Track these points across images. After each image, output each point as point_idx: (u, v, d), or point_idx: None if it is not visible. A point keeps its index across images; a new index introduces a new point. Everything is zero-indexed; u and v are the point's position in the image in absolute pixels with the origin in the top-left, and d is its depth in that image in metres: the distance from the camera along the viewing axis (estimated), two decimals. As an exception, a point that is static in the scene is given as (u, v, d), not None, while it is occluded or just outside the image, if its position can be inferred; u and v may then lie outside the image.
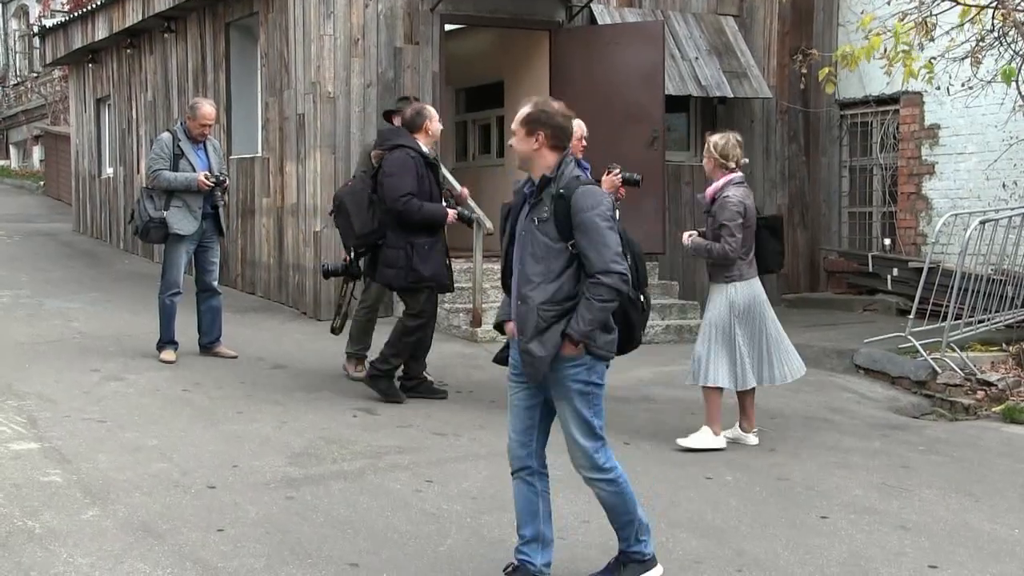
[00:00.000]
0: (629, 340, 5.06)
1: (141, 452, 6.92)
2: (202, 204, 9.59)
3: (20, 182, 29.78)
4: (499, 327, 5.17)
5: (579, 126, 7.64)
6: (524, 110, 4.89)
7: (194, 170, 9.50)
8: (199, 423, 7.69)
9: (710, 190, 7.56)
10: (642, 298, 5.06)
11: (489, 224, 10.94)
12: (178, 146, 9.55)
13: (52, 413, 7.76)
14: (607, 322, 4.82)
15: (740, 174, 7.54)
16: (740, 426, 7.76)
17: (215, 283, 9.88)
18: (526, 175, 4.98)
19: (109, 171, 19.08)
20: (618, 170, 8.18)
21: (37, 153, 31.73)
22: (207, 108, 9.71)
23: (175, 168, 9.49)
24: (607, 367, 4.94)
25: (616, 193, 8.05)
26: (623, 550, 5.10)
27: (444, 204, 8.57)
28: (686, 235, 7.74)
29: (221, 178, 9.59)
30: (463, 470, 6.84)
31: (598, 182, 8.04)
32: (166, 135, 9.70)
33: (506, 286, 5.08)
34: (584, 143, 8.08)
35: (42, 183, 28.07)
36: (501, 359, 5.14)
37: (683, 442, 7.48)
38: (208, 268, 9.83)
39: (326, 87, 12.05)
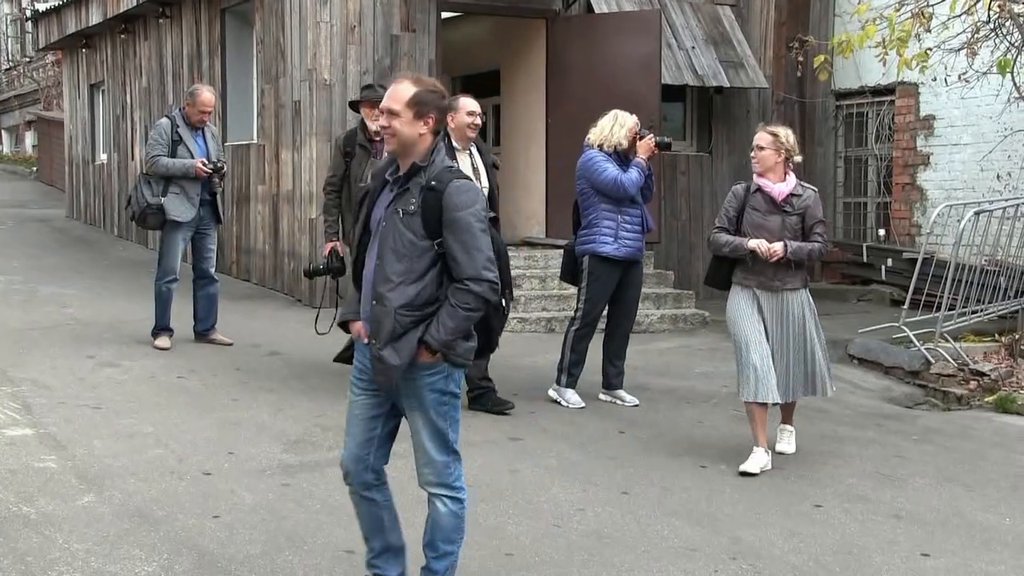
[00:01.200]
0: (487, 346, 4.63)
1: (136, 438, 6.93)
2: (200, 191, 9.55)
3: (12, 168, 29.75)
4: (343, 326, 4.63)
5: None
6: (407, 88, 4.29)
7: (192, 157, 9.44)
8: (194, 410, 7.69)
9: (783, 188, 6.86)
10: (503, 302, 4.59)
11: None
12: (176, 132, 9.49)
13: (47, 399, 7.76)
14: (469, 330, 4.38)
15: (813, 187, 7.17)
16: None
17: (212, 270, 9.86)
18: (388, 157, 4.49)
19: (103, 157, 19.05)
20: (651, 134, 8.31)
21: (30, 138, 31.67)
22: (206, 95, 9.63)
23: (173, 154, 9.43)
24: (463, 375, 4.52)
25: (650, 156, 8.27)
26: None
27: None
28: (757, 243, 6.81)
29: (219, 165, 9.54)
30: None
31: (629, 150, 8.19)
32: (165, 121, 9.63)
33: (357, 281, 4.51)
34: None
35: (35, 169, 28.04)
36: (343, 359, 4.78)
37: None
38: (205, 255, 9.80)
39: (322, 74, 12.04)
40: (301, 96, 12.28)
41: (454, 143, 7.42)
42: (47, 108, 28.45)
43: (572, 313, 8.54)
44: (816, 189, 7.11)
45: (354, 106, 8.82)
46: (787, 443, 7.28)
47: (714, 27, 13.76)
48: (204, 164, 9.44)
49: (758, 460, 6.80)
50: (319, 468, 6.50)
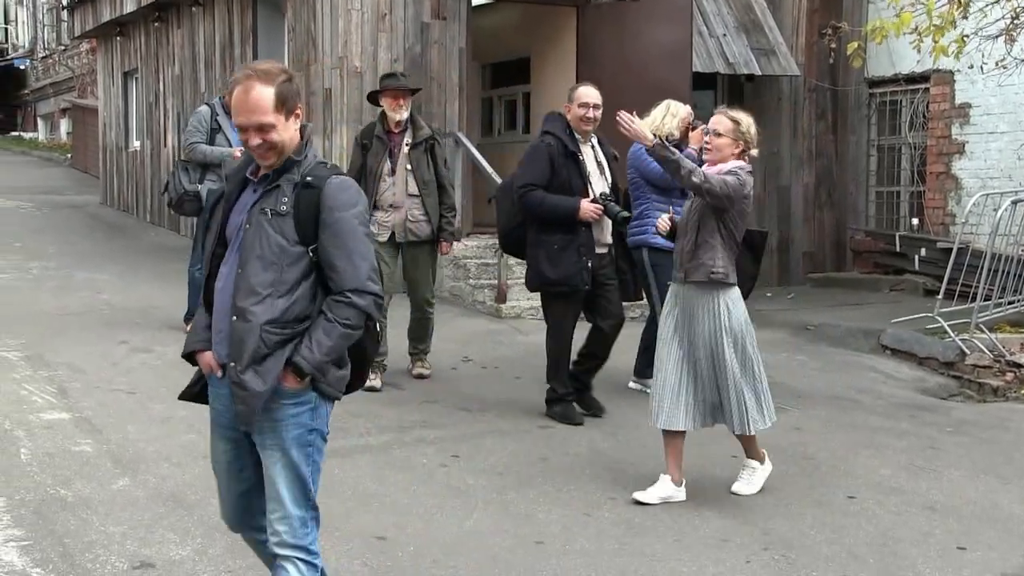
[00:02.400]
0: (359, 375, 3.99)
1: (169, 423, 6.97)
2: None
3: (48, 154, 29.93)
4: (190, 357, 3.91)
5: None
6: (264, 92, 3.65)
7: (230, 145, 9.42)
8: (227, 396, 7.72)
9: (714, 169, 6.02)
10: (378, 325, 4.03)
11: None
12: (216, 120, 9.51)
13: (82, 384, 7.82)
14: (343, 354, 3.78)
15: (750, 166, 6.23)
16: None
17: None
18: (246, 156, 3.86)
19: (136, 144, 19.14)
20: (704, 125, 8.22)
21: (64, 126, 31.87)
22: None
23: (212, 142, 9.46)
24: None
25: (701, 147, 8.12)
26: None
27: (591, 198, 7.33)
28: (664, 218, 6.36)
29: None
30: (489, 446, 6.85)
31: (682, 141, 8.08)
32: (204, 108, 9.66)
33: (209, 298, 3.82)
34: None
35: (69, 156, 28.19)
36: (189, 396, 3.98)
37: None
38: None
39: (353, 62, 12.05)
40: (332, 84, 12.29)
41: (575, 134, 7.38)
42: (81, 96, 28.60)
43: (647, 311, 8.51)
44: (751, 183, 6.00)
45: (373, 98, 8.45)
46: (744, 483, 6.21)
47: (746, 14, 13.68)
48: (242, 153, 9.39)
49: (658, 490, 5.95)
50: (349, 455, 6.52)
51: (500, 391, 8.25)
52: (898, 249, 13.72)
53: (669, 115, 8.13)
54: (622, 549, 5.29)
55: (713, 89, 14.00)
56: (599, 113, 7.38)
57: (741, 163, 5.96)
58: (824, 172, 14.53)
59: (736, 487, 6.13)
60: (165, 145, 17.39)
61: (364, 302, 3.67)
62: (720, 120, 6.01)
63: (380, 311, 3.78)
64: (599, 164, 7.51)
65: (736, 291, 5.97)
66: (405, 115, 8.18)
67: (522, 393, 8.18)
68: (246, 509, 3.92)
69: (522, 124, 15.28)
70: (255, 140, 3.67)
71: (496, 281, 11.35)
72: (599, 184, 7.45)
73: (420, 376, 8.45)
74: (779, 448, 7.03)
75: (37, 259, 13.69)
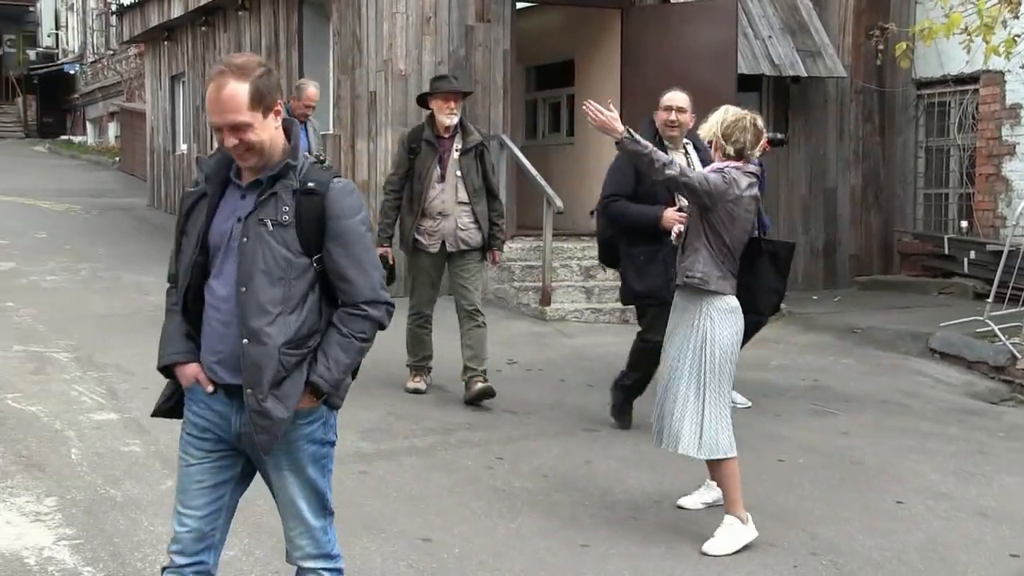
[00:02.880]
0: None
1: (216, 425, 7.00)
2: None
3: (96, 158, 30.23)
4: (167, 371, 3.75)
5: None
6: (239, 88, 3.38)
7: None
8: (273, 397, 7.76)
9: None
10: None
11: (559, 202, 10.98)
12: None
13: (130, 384, 7.89)
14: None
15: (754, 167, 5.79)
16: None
17: None
18: (222, 153, 3.54)
19: (183, 147, 19.30)
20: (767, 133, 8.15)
21: (112, 129, 32.18)
22: (311, 89, 9.69)
23: None
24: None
25: (762, 152, 8.03)
26: None
27: (677, 207, 6.80)
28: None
29: (320, 159, 9.46)
30: (534, 448, 6.85)
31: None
32: None
33: (189, 315, 3.59)
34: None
35: (117, 159, 28.47)
36: (163, 411, 3.84)
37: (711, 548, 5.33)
38: None
39: (398, 65, 12.09)
40: (377, 87, 12.34)
41: (664, 141, 6.94)
42: (129, 99, 28.88)
43: None
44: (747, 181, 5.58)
45: (422, 101, 8.17)
46: (691, 497, 5.92)
47: (791, 15, 13.61)
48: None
49: (702, 495, 5.90)
50: (395, 456, 6.54)
51: (545, 394, 8.25)
52: (947, 252, 13.58)
53: None
54: (668, 553, 5.27)
55: (758, 91, 13.93)
56: (685, 117, 6.98)
57: (738, 164, 5.53)
58: (871, 174, 14.41)
59: (707, 546, 5.29)
60: (212, 148, 17.51)
61: (379, 313, 3.48)
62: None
63: (390, 320, 3.53)
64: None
65: (727, 302, 5.44)
66: (456, 119, 7.86)
67: (567, 396, 8.17)
68: (209, 532, 3.63)
69: (566, 127, 15.27)
70: (231, 141, 3.40)
71: (541, 283, 11.35)
72: None
73: (482, 394, 7.76)
74: (826, 452, 7.00)
75: (86, 261, 13.83)
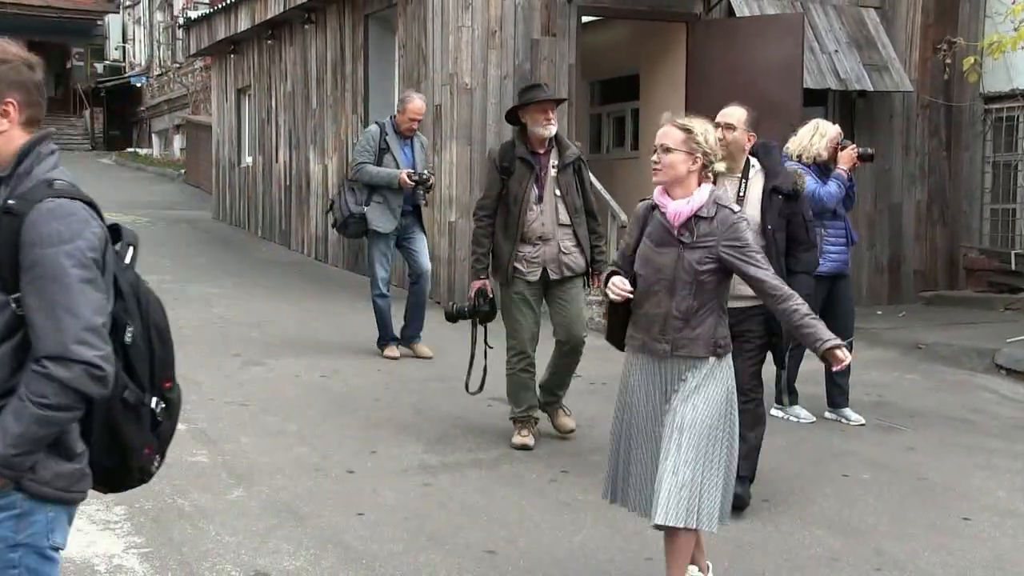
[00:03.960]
0: (121, 470, 2.99)
1: (282, 436, 7.10)
2: (403, 202, 9.26)
3: (162, 170, 30.66)
4: None
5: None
6: None
7: (398, 166, 9.13)
8: (337, 409, 7.85)
9: (682, 208, 4.60)
10: (156, 402, 2.98)
11: (624, 216, 11.00)
12: (384, 140, 9.20)
13: (197, 396, 7.98)
14: (64, 442, 2.79)
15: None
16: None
17: (427, 265, 9.56)
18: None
19: (248, 160, 19.53)
20: (853, 144, 8.10)
21: (178, 142, 32.64)
22: (417, 102, 9.30)
23: (379, 163, 9.14)
24: (69, 519, 2.90)
25: (852, 167, 7.97)
26: None
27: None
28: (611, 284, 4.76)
29: (425, 177, 9.17)
30: (597, 461, 6.82)
31: (830, 161, 7.86)
32: (374, 128, 9.35)
33: None
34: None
35: (183, 171, 28.85)
36: None
37: None
38: (416, 256, 9.49)
39: (463, 78, 12.16)
40: (442, 100, 12.42)
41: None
42: (195, 112, 29.29)
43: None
44: (738, 210, 4.70)
45: (512, 117, 7.22)
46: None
47: (858, 30, 13.53)
48: (409, 175, 9.09)
49: None
50: (459, 469, 6.58)
51: (608, 408, 8.21)
52: (1013, 267, 13.42)
53: (818, 135, 7.92)
54: (732, 567, 5.26)
55: (824, 105, 13.85)
56: (734, 135, 5.89)
57: (725, 204, 4.65)
58: (937, 189, 14.28)
59: None
60: (277, 161, 17.72)
61: (68, 374, 2.65)
62: (669, 133, 4.61)
63: (105, 385, 2.72)
64: (740, 200, 5.90)
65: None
66: (555, 130, 7.07)
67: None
68: None
69: (630, 141, 15.27)
70: None
71: (603, 297, 11.34)
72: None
73: (569, 430, 7.36)
74: (891, 468, 6.95)
75: (153, 273, 13.97)
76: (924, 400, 8.95)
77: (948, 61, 12.19)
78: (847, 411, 8.13)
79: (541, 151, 7.07)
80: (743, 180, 5.93)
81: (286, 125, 17.28)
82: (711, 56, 12.76)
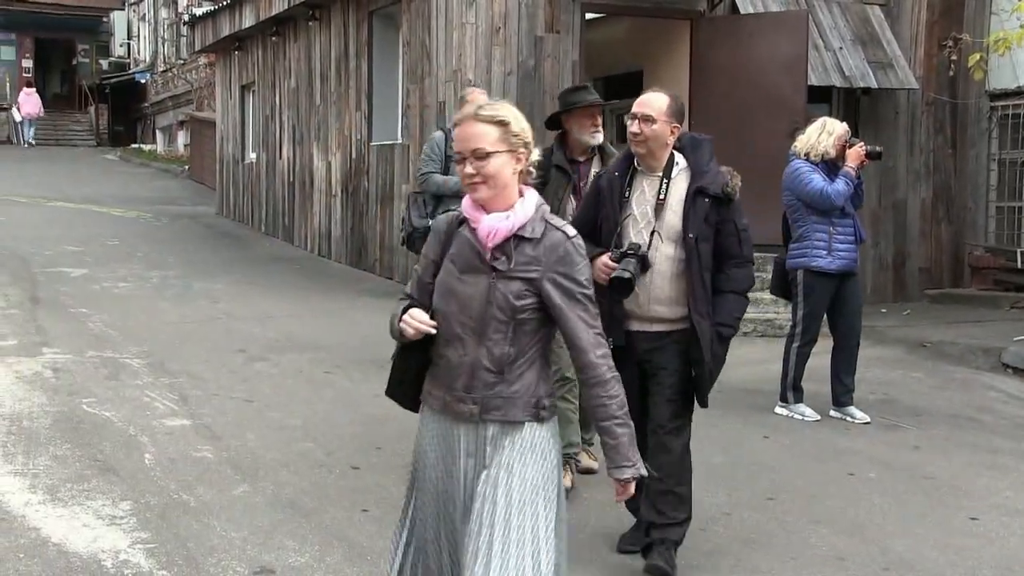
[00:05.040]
0: None
1: (286, 431, 7.09)
2: None
3: (166, 166, 30.67)
4: None
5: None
6: None
7: None
8: (341, 405, 7.85)
9: (497, 224, 3.43)
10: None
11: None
12: (450, 146, 7.66)
13: (202, 391, 7.99)
14: None
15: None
16: None
17: None
18: None
19: (252, 156, 19.53)
20: (861, 142, 8.08)
21: (182, 138, 32.63)
22: (476, 95, 8.04)
23: (447, 171, 8.16)
24: None
25: (860, 164, 7.94)
26: None
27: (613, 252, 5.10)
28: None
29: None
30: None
31: (838, 159, 7.85)
32: (439, 134, 8.38)
33: None
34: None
35: (186, 167, 28.85)
36: None
37: None
38: None
39: (467, 75, 12.14)
40: (446, 96, 12.40)
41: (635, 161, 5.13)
42: (199, 109, 29.27)
43: (789, 330, 8.33)
44: (572, 234, 3.46)
45: (553, 123, 6.38)
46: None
47: (863, 27, 13.49)
48: None
49: None
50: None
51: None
52: (1019, 266, 13.39)
53: (825, 133, 7.94)
54: (738, 565, 5.25)
55: (828, 103, 13.82)
56: (652, 128, 5.01)
57: (558, 223, 3.50)
58: (942, 187, 14.24)
59: None
60: (280, 157, 17.72)
61: None
62: (476, 133, 3.42)
63: None
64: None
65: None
66: (600, 138, 6.27)
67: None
68: None
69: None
70: None
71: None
72: (641, 229, 5.05)
73: (590, 471, 6.58)
74: (897, 467, 6.94)
75: (157, 268, 14.02)
76: (930, 398, 8.93)
77: (954, 58, 12.16)
78: (852, 409, 8.12)
79: (582, 159, 6.25)
80: (664, 180, 5.01)
81: (290, 121, 17.27)
82: (715, 53, 12.75)
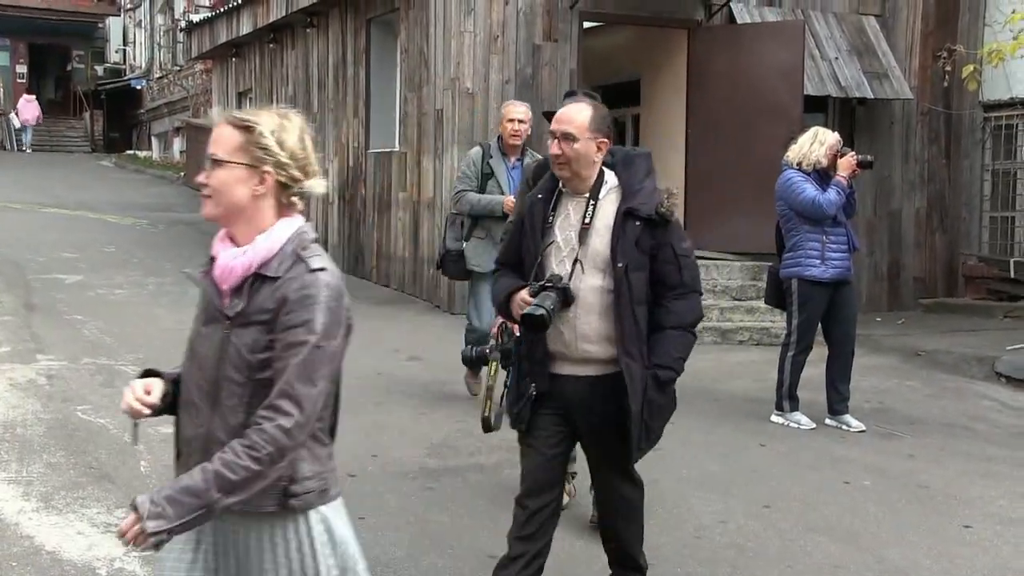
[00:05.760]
0: None
1: (284, 438, 7.09)
2: None
3: (161, 172, 30.66)
4: None
5: None
6: None
7: (503, 192, 7.81)
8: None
9: (234, 261, 2.92)
10: None
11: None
12: (488, 164, 7.93)
13: (198, 398, 7.99)
14: None
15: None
16: None
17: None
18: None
19: (248, 163, 19.55)
20: (853, 152, 8.11)
21: (177, 144, 32.66)
22: (513, 106, 7.99)
23: (482, 189, 7.88)
24: None
25: (852, 174, 7.95)
26: None
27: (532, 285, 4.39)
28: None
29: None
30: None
31: (830, 168, 7.87)
32: (476, 150, 8.12)
33: None
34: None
35: (182, 174, 28.85)
36: None
37: None
38: None
39: (465, 83, 12.17)
40: (444, 104, 12.44)
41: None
42: (195, 115, 29.29)
43: (784, 339, 8.35)
44: (317, 266, 2.84)
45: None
46: None
47: (858, 37, 13.55)
48: (515, 201, 6.96)
49: None
50: (461, 473, 6.58)
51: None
52: (1012, 275, 13.44)
53: (817, 143, 7.97)
54: (735, 572, 5.27)
55: (824, 112, 13.87)
56: (572, 147, 4.29)
57: (302, 227, 2.96)
58: (936, 197, 14.30)
59: None
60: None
61: None
62: (219, 136, 2.90)
63: None
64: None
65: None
66: None
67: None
68: None
69: (631, 145, 15.29)
70: None
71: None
72: (564, 259, 4.33)
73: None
74: (891, 475, 6.96)
75: (153, 275, 14.03)
76: (924, 407, 8.96)
77: (948, 69, 12.22)
78: (847, 417, 8.14)
79: None
80: (591, 202, 4.32)
81: (286, 129, 17.30)
82: (712, 62, 12.80)
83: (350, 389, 8.53)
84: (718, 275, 12.23)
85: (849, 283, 8.16)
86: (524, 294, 4.26)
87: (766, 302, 8.72)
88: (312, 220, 16.09)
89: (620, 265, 4.20)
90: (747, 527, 5.90)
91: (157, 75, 36.01)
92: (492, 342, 5.18)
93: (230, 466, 2.66)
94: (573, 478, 6.06)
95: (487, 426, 4.98)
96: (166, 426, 7.15)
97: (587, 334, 4.25)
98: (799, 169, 7.95)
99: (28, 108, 36.17)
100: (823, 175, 7.94)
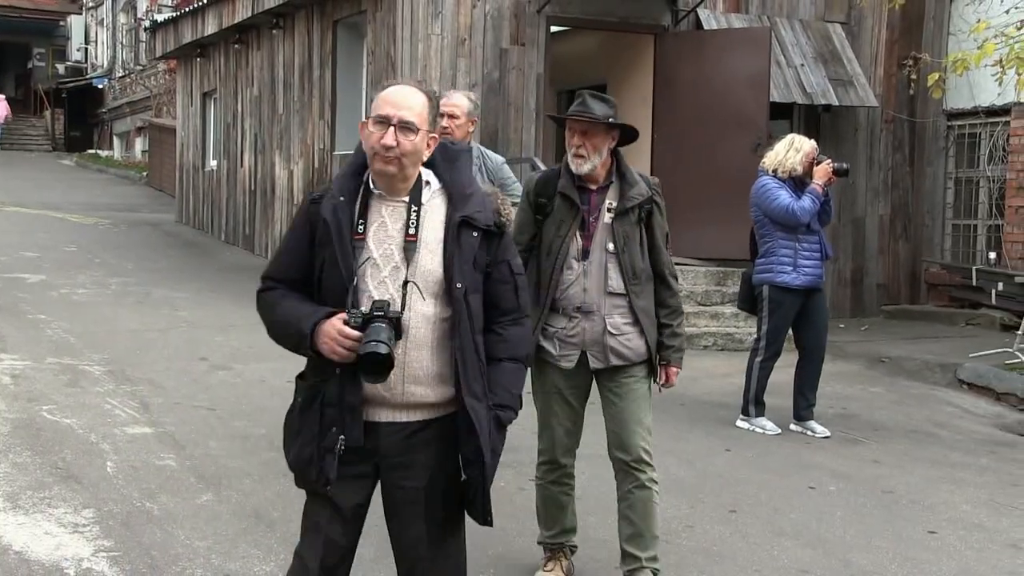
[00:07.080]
0: None
1: (250, 441, 7.07)
2: None
3: (124, 172, 30.46)
4: None
5: None
6: None
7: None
8: (305, 414, 7.81)
9: None
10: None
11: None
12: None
13: (163, 399, 7.94)
14: None
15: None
16: None
17: None
18: None
19: (213, 163, 19.44)
20: (828, 160, 8.13)
21: (139, 144, 32.44)
22: (450, 96, 6.61)
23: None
24: None
25: (827, 182, 7.99)
26: None
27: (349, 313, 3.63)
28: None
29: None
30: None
31: (805, 175, 7.90)
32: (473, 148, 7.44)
33: None
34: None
35: (145, 174, 28.66)
36: None
37: None
38: None
39: (432, 86, 12.12)
40: (410, 107, 12.39)
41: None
42: (157, 115, 29.10)
43: (753, 344, 8.38)
44: None
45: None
46: None
47: (824, 45, 13.64)
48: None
49: None
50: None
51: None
52: (974, 283, 13.56)
53: (792, 150, 8.00)
54: (702, 578, 5.28)
55: (790, 119, 13.96)
56: (409, 140, 3.47)
57: None
58: (900, 204, 14.42)
59: None
60: (242, 165, 17.65)
61: None
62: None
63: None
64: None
65: None
66: (589, 166, 4.90)
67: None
68: None
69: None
70: None
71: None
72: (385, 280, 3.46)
73: None
74: (857, 480, 7.00)
75: (116, 275, 13.93)
76: (888, 413, 9.03)
77: (913, 77, 12.33)
78: (813, 424, 8.19)
79: (593, 187, 4.96)
80: (413, 209, 3.47)
81: (252, 130, 17.21)
82: (679, 68, 12.85)
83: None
84: (683, 281, 12.25)
85: (821, 291, 8.20)
86: (340, 326, 3.33)
87: (739, 307, 8.76)
88: (277, 221, 16.04)
89: (459, 287, 3.42)
90: (714, 532, 5.92)
91: (119, 74, 35.75)
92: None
93: None
94: (573, 552, 5.32)
95: None
96: (131, 427, 7.12)
97: (416, 375, 3.44)
98: (774, 176, 7.98)
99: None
100: (798, 182, 7.97)
